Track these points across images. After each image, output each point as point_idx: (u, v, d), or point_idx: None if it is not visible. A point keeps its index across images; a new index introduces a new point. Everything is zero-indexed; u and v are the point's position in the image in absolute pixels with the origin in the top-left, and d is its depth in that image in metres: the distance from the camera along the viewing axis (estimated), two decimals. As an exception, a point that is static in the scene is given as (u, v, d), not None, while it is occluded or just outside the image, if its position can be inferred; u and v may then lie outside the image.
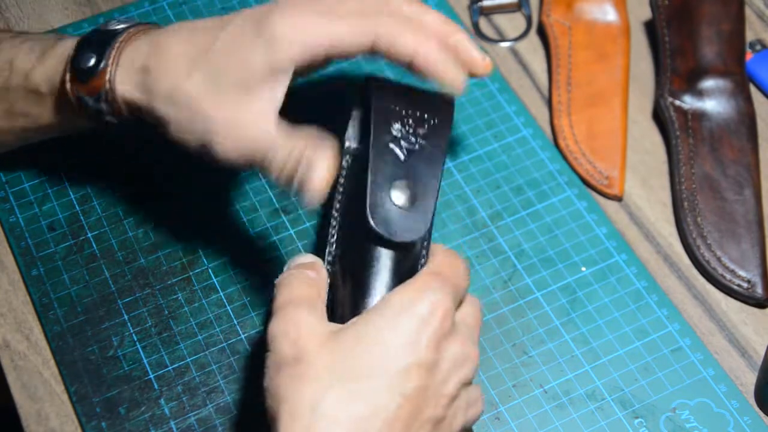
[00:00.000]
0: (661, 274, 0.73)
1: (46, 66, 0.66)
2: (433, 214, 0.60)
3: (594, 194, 0.76)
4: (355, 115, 0.66)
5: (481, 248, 0.73)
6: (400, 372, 0.53)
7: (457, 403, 0.56)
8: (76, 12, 0.85)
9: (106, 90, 0.64)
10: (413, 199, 0.59)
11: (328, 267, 0.60)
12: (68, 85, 0.64)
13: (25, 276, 0.71)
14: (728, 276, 0.71)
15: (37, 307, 0.70)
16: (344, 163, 0.64)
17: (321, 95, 0.78)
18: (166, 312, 0.70)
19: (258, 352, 0.68)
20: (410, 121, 0.61)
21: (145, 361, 0.68)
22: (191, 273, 0.72)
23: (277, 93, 0.61)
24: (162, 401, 0.67)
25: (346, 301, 0.59)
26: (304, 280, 0.58)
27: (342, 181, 0.63)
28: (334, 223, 0.62)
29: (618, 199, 0.76)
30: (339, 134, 0.63)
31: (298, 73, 0.62)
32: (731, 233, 0.73)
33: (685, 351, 0.69)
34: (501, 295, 0.71)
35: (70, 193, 0.75)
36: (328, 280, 0.59)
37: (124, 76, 0.63)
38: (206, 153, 0.62)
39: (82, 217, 0.74)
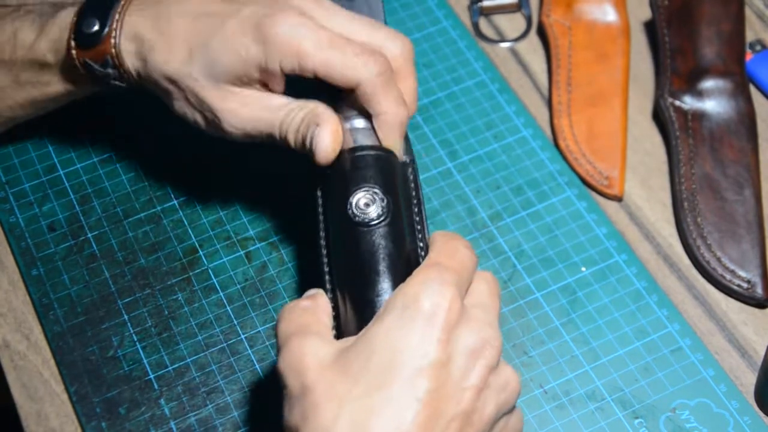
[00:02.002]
0: (661, 274, 0.73)
1: (50, 35, 0.67)
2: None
3: (594, 194, 0.76)
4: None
5: (481, 248, 0.73)
6: (411, 376, 0.51)
7: (485, 392, 0.53)
8: (76, 12, 0.85)
9: (113, 55, 0.65)
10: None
11: (330, 295, 0.59)
12: (74, 52, 0.65)
13: (25, 276, 0.71)
14: (728, 276, 0.71)
15: (37, 308, 0.70)
16: (319, 200, 0.64)
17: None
18: (166, 312, 0.70)
19: (259, 352, 0.69)
20: None
21: (145, 361, 0.68)
22: (191, 273, 0.72)
23: (275, 87, 0.63)
24: (162, 401, 0.67)
25: (352, 320, 0.58)
26: (298, 310, 0.57)
27: (321, 217, 0.63)
28: (324, 251, 0.61)
29: (618, 199, 0.76)
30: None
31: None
32: (731, 233, 0.73)
33: (685, 351, 0.69)
34: (501, 295, 0.71)
35: (70, 193, 0.75)
36: (331, 304, 0.58)
37: (128, 44, 0.64)
38: (215, 130, 0.65)
39: (82, 218, 0.74)
